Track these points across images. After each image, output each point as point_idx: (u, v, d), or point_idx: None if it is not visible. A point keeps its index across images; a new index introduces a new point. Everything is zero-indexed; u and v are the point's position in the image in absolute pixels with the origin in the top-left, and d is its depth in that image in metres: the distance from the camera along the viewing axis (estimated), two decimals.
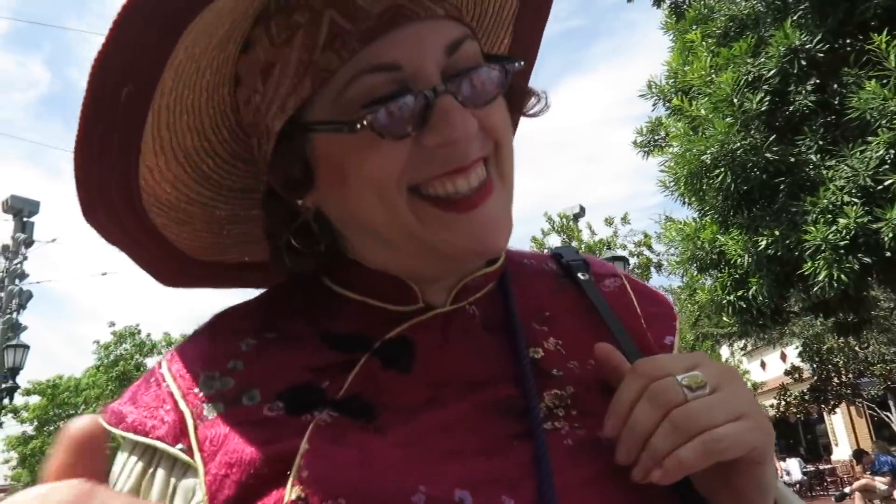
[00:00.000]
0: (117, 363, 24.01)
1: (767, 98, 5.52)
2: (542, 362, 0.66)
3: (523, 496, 0.54)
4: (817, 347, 18.78)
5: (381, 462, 0.54)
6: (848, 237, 4.89)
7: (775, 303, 5.82)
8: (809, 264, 5.04)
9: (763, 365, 25.35)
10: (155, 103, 0.56)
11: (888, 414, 19.82)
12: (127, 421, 0.62)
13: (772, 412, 20.39)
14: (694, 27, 6.39)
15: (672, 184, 6.20)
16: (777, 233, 5.33)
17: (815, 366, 19.30)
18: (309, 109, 0.61)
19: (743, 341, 18.97)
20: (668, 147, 6.71)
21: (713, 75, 5.88)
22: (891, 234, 4.68)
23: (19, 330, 15.87)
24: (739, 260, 5.60)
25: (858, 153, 5.03)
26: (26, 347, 15.10)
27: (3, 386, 14.97)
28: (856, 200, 4.95)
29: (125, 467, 0.61)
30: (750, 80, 5.63)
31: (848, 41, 5.55)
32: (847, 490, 14.50)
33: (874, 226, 4.81)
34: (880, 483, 13.24)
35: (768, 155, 5.39)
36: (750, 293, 5.67)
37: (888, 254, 4.79)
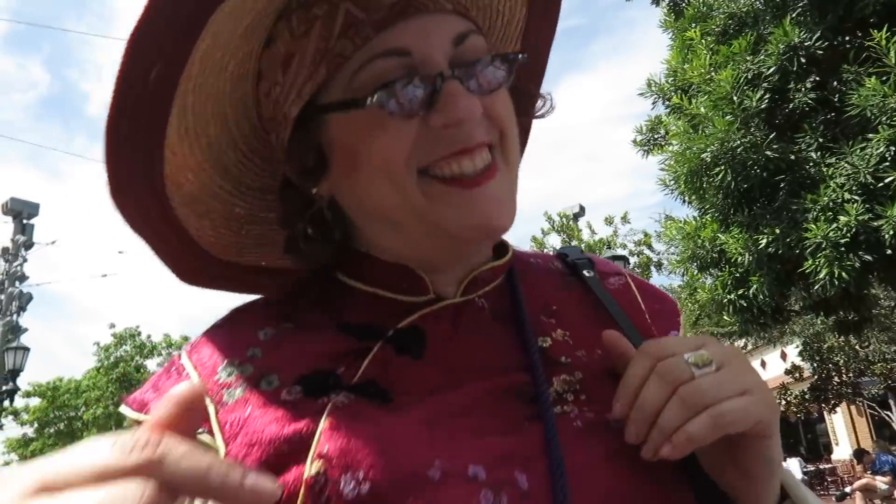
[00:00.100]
0: (117, 365, 24.05)
1: (767, 96, 5.50)
2: (551, 351, 0.69)
3: (535, 473, 0.56)
4: (818, 346, 18.76)
5: (397, 438, 0.57)
6: (848, 235, 4.87)
7: (776, 301, 5.80)
8: (810, 262, 5.03)
9: (763, 364, 25.33)
10: (181, 86, 0.59)
11: (889, 413, 19.80)
12: (150, 407, 0.65)
13: None
14: (693, 25, 6.38)
15: (672, 182, 6.19)
16: (777, 231, 5.31)
17: (815, 365, 19.27)
18: (324, 94, 0.64)
19: (743, 340, 18.96)
20: (667, 145, 6.70)
21: (713, 73, 5.86)
22: (891, 232, 4.66)
23: (19, 332, 15.85)
24: (740, 258, 5.59)
25: (859, 150, 5.01)
26: (26, 350, 15.09)
27: (4, 388, 14.95)
28: (856, 198, 4.93)
29: None
30: (749, 77, 5.62)
31: (847, 38, 5.54)
32: (848, 489, 14.49)
33: (875, 223, 4.79)
34: (881, 482, 13.23)
35: (768, 153, 5.37)
36: (750, 292, 5.66)
37: (889, 251, 4.78)
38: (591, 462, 0.58)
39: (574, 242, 17.25)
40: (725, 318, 6.19)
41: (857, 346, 17.86)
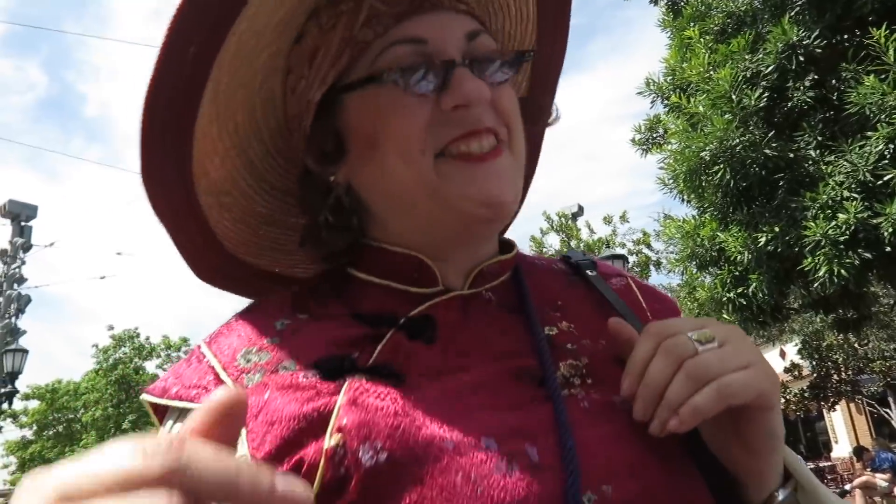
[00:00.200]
0: (116, 367, 24.01)
1: (766, 94, 5.50)
2: (557, 339, 0.71)
3: (545, 447, 0.59)
4: (817, 344, 18.78)
5: (412, 411, 0.59)
6: (848, 232, 4.87)
7: (775, 299, 5.81)
8: (809, 260, 5.03)
9: None
10: (216, 68, 0.64)
11: (888, 411, 19.82)
12: (172, 392, 0.68)
13: None
14: (691, 24, 6.38)
15: (671, 181, 6.19)
16: (777, 229, 5.31)
17: (814, 363, 19.30)
18: (345, 79, 0.70)
19: None
20: (666, 144, 6.70)
21: (711, 72, 5.86)
22: (891, 230, 4.66)
23: (18, 334, 15.82)
24: (739, 257, 5.59)
25: (858, 148, 5.01)
26: (25, 352, 15.07)
27: (3, 390, 14.93)
28: (855, 196, 4.94)
29: (172, 431, 0.67)
30: (748, 76, 5.62)
31: (846, 36, 5.54)
32: (847, 487, 14.50)
33: (874, 221, 4.79)
34: (881, 480, 13.24)
35: (767, 151, 5.37)
36: (750, 290, 5.66)
37: (888, 249, 4.78)
38: (598, 438, 0.61)
39: (573, 242, 17.26)
40: (725, 316, 6.18)
41: (856, 344, 17.88)
